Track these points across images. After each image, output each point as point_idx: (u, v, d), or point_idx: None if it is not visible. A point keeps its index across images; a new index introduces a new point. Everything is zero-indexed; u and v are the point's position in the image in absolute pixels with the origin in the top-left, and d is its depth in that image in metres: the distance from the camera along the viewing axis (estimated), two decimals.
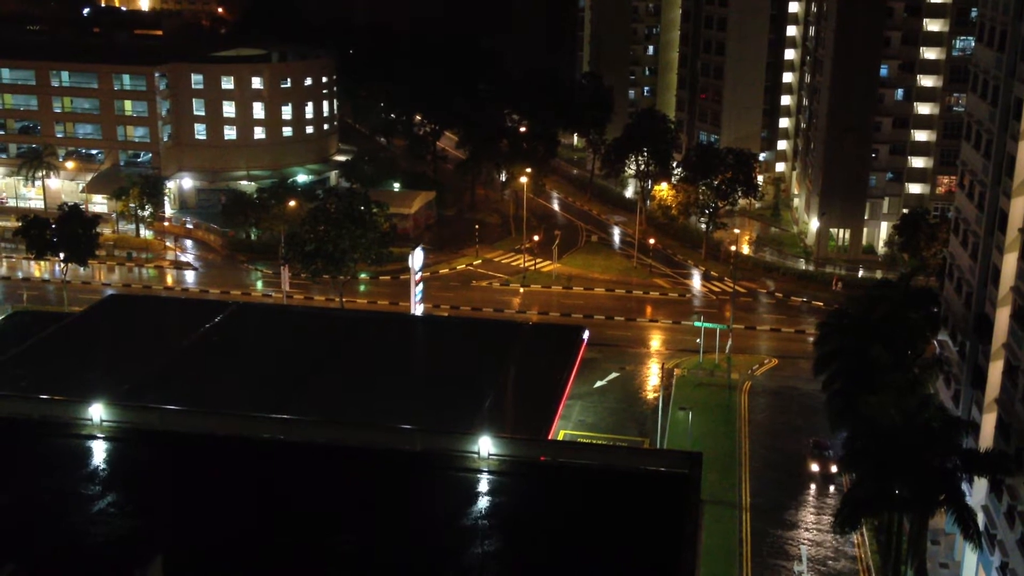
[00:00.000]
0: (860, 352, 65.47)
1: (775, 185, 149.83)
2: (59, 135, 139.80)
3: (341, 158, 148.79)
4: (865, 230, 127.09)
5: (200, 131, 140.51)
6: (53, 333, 77.57)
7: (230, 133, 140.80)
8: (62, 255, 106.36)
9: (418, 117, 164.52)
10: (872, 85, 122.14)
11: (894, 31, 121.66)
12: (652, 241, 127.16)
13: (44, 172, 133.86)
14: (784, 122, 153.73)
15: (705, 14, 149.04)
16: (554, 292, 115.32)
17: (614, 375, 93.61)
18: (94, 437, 48.05)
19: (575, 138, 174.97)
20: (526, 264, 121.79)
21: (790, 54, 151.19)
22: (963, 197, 71.10)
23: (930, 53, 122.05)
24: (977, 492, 62.00)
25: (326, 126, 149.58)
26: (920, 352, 71.87)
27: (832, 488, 75.18)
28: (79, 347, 76.07)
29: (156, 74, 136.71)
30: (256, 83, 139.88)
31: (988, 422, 62.33)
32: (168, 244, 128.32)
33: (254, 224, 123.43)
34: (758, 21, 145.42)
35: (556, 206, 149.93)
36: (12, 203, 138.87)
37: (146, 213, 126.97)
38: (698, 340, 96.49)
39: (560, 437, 76.85)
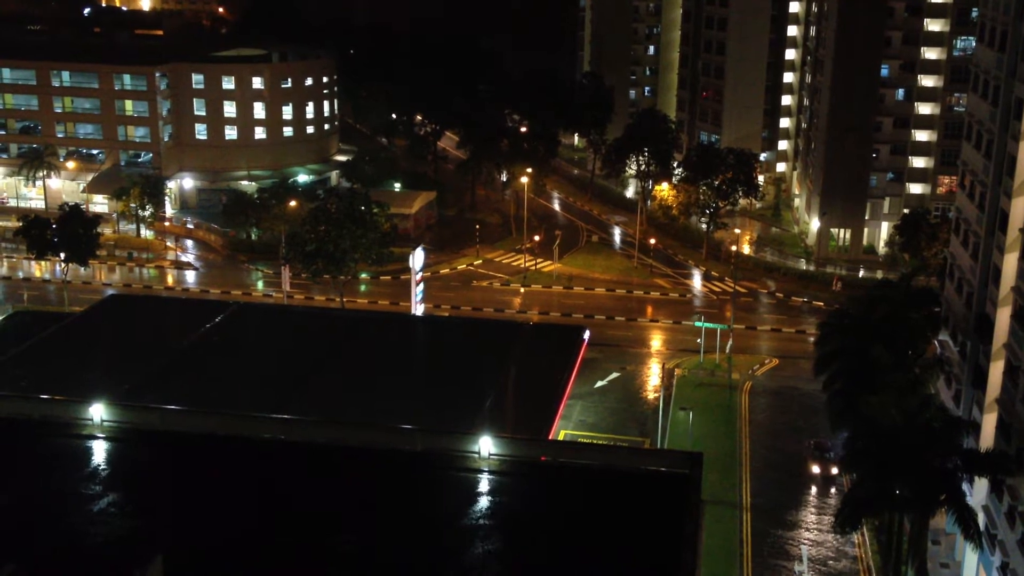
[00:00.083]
0: (861, 352, 65.42)
1: (776, 185, 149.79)
2: (60, 135, 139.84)
3: (342, 158, 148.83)
4: (866, 230, 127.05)
5: (201, 131, 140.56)
6: (54, 333, 77.57)
7: (231, 133, 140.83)
8: (63, 255, 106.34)
9: (419, 117, 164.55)
10: (873, 85, 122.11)
11: (895, 31, 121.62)
12: (653, 241, 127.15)
13: (45, 172, 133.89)
14: (785, 122, 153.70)
15: (706, 14, 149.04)
16: (555, 292, 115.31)
17: (615, 375, 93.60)
18: (94, 437, 48.06)
19: (576, 138, 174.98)
20: (527, 264, 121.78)
21: (791, 54, 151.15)
22: (964, 197, 71.07)
23: (931, 53, 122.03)
24: (978, 492, 61.97)
25: (327, 126, 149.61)
26: (921, 352, 71.81)
27: (833, 489, 75.11)
28: (80, 347, 76.06)
29: (157, 74, 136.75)
30: (257, 83, 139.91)
31: (989, 422, 62.31)
32: (169, 244, 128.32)
33: (255, 224, 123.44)
34: (759, 21, 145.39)
35: (557, 206, 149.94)
36: (13, 203, 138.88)
37: (147, 213, 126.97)
38: (699, 340, 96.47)
39: (561, 437, 76.83)
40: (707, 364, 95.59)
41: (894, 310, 69.85)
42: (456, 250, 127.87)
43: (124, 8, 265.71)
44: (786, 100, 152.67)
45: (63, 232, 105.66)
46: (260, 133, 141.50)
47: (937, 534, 66.36)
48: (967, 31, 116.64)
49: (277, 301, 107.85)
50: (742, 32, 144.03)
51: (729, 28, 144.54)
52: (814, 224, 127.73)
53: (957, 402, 68.63)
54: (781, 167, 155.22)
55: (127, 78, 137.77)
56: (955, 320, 70.73)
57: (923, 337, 73.36)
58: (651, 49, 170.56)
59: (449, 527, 41.89)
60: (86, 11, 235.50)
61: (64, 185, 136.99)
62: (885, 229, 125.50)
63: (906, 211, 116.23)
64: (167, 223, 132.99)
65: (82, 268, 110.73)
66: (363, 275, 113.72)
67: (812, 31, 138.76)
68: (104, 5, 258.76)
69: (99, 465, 46.37)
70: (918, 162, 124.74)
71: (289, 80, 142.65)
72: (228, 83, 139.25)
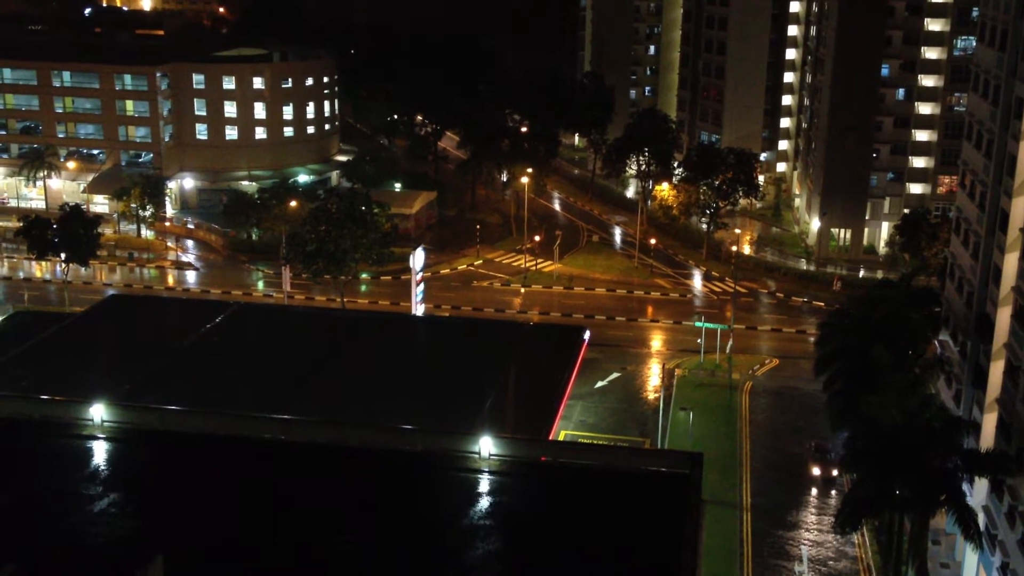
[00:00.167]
0: (861, 352, 65.41)
1: (776, 185, 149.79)
2: (60, 135, 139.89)
3: (342, 158, 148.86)
4: (866, 230, 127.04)
5: (201, 131, 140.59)
6: (54, 333, 77.62)
7: (231, 133, 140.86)
8: (63, 255, 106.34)
9: (419, 117, 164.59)
10: (873, 85, 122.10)
11: (895, 30, 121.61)
12: (653, 241, 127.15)
13: (45, 172, 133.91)
14: (785, 122, 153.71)
15: (706, 14, 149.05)
16: (555, 292, 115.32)
17: (615, 375, 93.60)
18: (95, 437, 48.09)
19: (576, 138, 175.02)
20: (527, 264, 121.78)
21: (791, 54, 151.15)
22: (964, 197, 71.07)
23: (931, 53, 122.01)
24: (978, 492, 61.97)
25: (327, 126, 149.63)
26: (921, 352, 71.79)
27: (833, 491, 75.05)
28: (80, 347, 76.10)
29: (157, 74, 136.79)
30: (257, 83, 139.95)
31: (989, 422, 62.30)
32: (169, 244, 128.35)
33: (255, 224, 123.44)
34: (759, 21, 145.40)
35: (557, 206, 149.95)
36: (13, 203, 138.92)
37: (147, 213, 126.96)
38: (699, 340, 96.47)
39: (561, 437, 76.84)
40: (707, 364, 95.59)
41: (894, 310, 69.85)
42: (456, 250, 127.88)
43: (125, 8, 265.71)
44: (786, 100, 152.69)
45: (64, 232, 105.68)
46: (261, 133, 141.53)
47: (937, 534, 66.37)
48: (967, 31, 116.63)
49: (278, 301, 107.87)
50: (743, 32, 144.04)
51: (730, 28, 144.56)
52: (814, 224, 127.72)
53: (957, 402, 68.62)
54: (781, 167, 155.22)
55: (128, 78, 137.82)
56: (955, 320, 70.72)
57: (923, 337, 73.35)
58: (652, 49, 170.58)
59: (449, 527, 41.91)
60: (87, 11, 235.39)
61: (65, 185, 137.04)
62: (885, 229, 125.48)
63: (906, 211, 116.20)
64: (168, 223, 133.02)
65: (83, 268, 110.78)
66: (364, 275, 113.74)
67: (812, 31, 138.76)
68: (105, 5, 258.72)
69: (99, 465, 46.40)
70: (918, 162, 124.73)
71: (290, 80, 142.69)
72: (229, 83, 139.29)
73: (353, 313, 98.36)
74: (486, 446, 46.55)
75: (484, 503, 43.81)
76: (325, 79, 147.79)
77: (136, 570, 34.40)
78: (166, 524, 41.43)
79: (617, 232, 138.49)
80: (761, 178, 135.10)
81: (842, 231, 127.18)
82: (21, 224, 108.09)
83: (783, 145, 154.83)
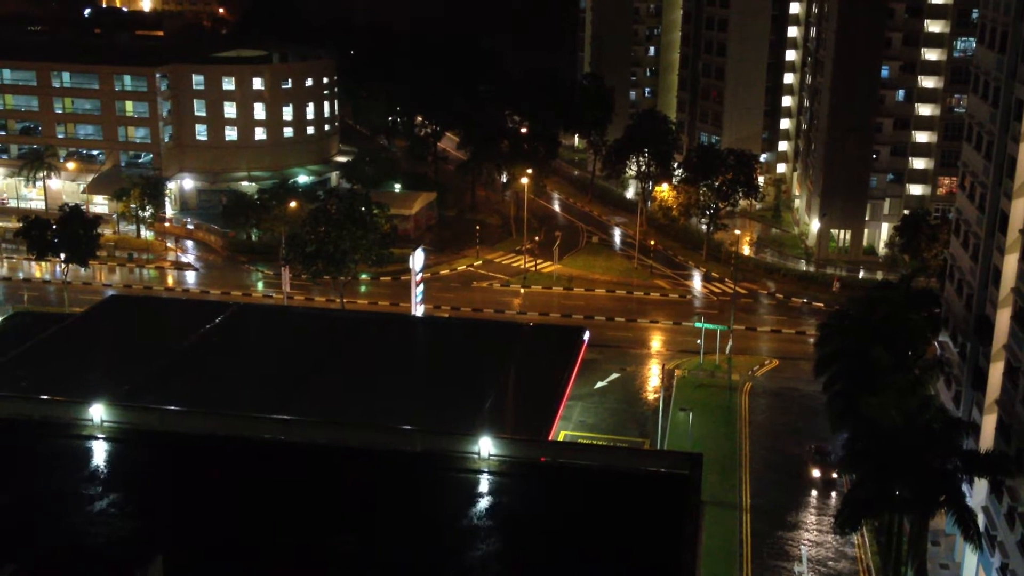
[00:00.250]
0: (861, 353, 65.43)
1: (776, 186, 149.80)
2: (60, 136, 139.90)
3: (342, 159, 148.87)
4: (866, 231, 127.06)
5: (201, 132, 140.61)
6: (54, 334, 77.61)
7: (231, 134, 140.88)
8: (63, 256, 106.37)
9: (419, 118, 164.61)
10: (873, 86, 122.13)
11: (895, 32, 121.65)
12: (653, 242, 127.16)
13: (45, 173, 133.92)
14: (785, 123, 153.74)
15: (706, 15, 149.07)
16: (555, 293, 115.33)
17: (615, 376, 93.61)
18: (94, 438, 48.05)
19: (576, 139, 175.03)
20: (527, 265, 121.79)
21: (791, 55, 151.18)
22: (964, 198, 71.08)
23: (931, 54, 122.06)
24: (977, 493, 61.98)
25: (327, 127, 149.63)
26: (921, 353, 71.82)
27: (833, 493, 75.01)
28: (80, 348, 76.10)
29: (157, 75, 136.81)
30: (257, 84, 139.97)
31: (988, 423, 62.31)
32: (169, 245, 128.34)
33: (255, 225, 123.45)
34: (759, 22, 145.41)
35: (557, 207, 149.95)
36: (13, 204, 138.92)
37: (147, 214, 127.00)
38: (699, 341, 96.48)
39: (560, 438, 76.85)
40: (707, 365, 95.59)
41: (894, 311, 69.87)
42: (456, 251, 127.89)
43: (124, 9, 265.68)
44: (786, 101, 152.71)
45: (63, 233, 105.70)
46: (260, 134, 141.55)
47: (937, 535, 66.38)
48: (967, 32, 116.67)
49: (277, 302, 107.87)
50: (743, 33, 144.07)
51: (730, 29, 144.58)
52: (814, 225, 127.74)
53: (957, 403, 68.63)
54: (781, 168, 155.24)
55: (127, 79, 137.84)
56: (955, 321, 70.73)
57: (923, 338, 73.38)
58: (651, 50, 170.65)
59: (449, 528, 41.90)
60: (86, 12, 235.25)
61: (64, 186, 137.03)
62: (885, 230, 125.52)
63: (906, 212, 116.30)
64: (167, 224, 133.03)
65: (82, 269, 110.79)
66: (363, 276, 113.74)
67: (812, 32, 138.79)
68: (104, 6, 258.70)
69: (99, 466, 46.39)
70: (918, 163, 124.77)
71: (289, 81, 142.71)
72: (228, 84, 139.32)
73: (353, 314, 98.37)
74: (486, 446, 46.54)
75: (484, 503, 43.80)
76: (325, 80, 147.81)
77: (136, 570, 34.39)
78: (166, 524, 41.41)
79: (617, 233, 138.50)
80: (761, 179, 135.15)
81: (842, 232, 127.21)
82: (21, 225, 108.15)
83: (783, 146, 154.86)
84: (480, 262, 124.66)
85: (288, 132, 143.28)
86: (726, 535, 68.96)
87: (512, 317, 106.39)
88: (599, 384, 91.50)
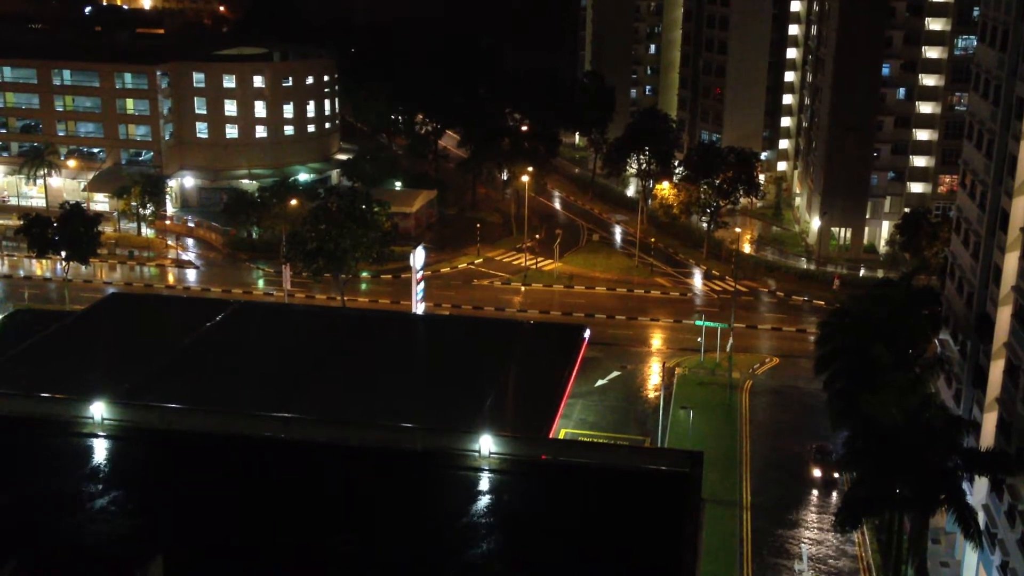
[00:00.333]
0: (861, 351, 65.44)
1: (776, 184, 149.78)
2: (61, 134, 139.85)
3: (342, 157, 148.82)
4: (867, 229, 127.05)
5: (202, 130, 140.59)
6: (54, 332, 77.58)
7: (232, 132, 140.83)
8: (64, 254, 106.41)
9: (419, 116, 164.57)
10: (874, 84, 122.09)
11: (896, 30, 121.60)
12: (653, 240, 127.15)
13: (46, 171, 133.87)
14: (786, 121, 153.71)
15: (707, 13, 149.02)
16: (555, 291, 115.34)
17: (615, 374, 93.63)
18: (95, 436, 48.05)
19: (577, 137, 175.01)
20: (527, 263, 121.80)
21: (792, 53, 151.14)
22: (964, 196, 71.07)
23: (932, 52, 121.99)
24: (978, 491, 62.00)
25: (327, 125, 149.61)
26: (921, 351, 71.85)
27: (834, 493, 74.99)
28: (80, 346, 76.09)
29: (158, 73, 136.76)
30: (258, 82, 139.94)
31: (989, 421, 62.33)
32: (170, 243, 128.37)
33: (256, 223, 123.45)
34: (760, 21, 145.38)
35: (557, 205, 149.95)
36: (14, 202, 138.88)
37: (148, 212, 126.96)
38: (699, 339, 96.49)
39: (561, 436, 76.87)
40: (708, 363, 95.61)
41: (895, 309, 69.87)
42: (457, 249, 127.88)
43: (125, 7, 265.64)
44: (787, 99, 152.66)
45: (64, 231, 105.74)
46: (261, 132, 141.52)
47: (937, 533, 66.40)
48: (968, 30, 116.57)
49: (278, 300, 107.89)
50: (743, 31, 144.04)
51: (730, 27, 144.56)
52: (815, 223, 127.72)
53: (957, 401, 68.64)
54: (782, 166, 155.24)
55: (128, 77, 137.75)
56: (956, 319, 70.73)
57: (924, 336, 73.41)
58: (652, 48, 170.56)
59: (449, 526, 41.89)
60: (87, 10, 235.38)
61: (65, 184, 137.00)
62: (886, 228, 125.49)
63: (907, 210, 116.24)
64: (168, 222, 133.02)
65: (83, 267, 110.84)
66: (364, 274, 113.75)
67: (813, 30, 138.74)
68: (105, 4, 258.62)
69: (100, 464, 46.39)
70: (919, 161, 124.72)
71: (290, 79, 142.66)
72: (229, 82, 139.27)
73: (353, 312, 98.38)
74: (486, 444, 46.55)
75: (484, 501, 43.80)
76: (325, 78, 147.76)
77: (136, 569, 34.41)
78: (166, 522, 41.43)
79: (617, 231, 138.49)
80: (762, 177, 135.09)
81: (842, 230, 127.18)
82: (21, 222, 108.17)
83: (784, 144, 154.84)
84: (481, 260, 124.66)
85: (289, 130, 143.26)
86: (726, 533, 68.98)
87: (513, 315, 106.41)
88: (600, 382, 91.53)
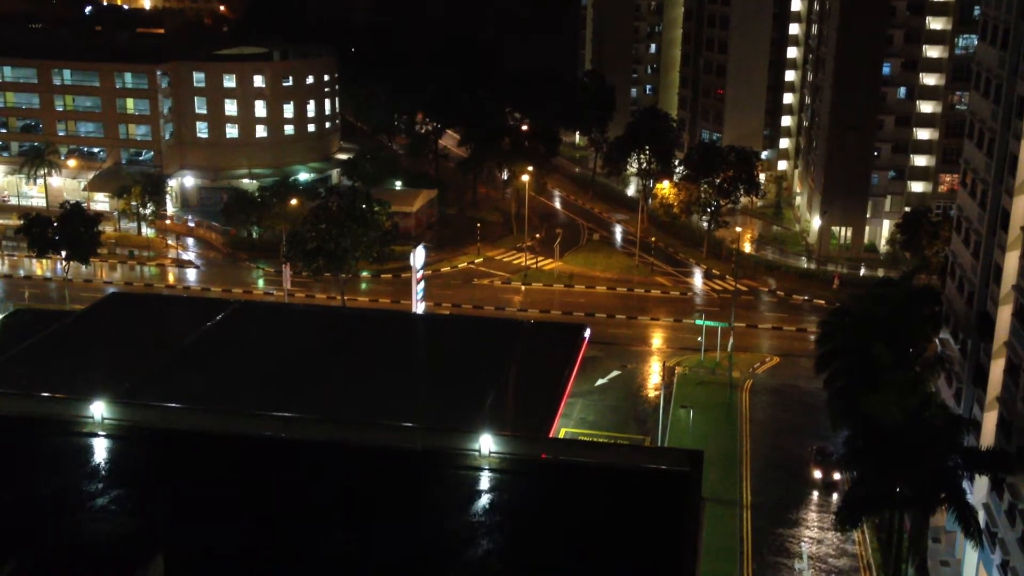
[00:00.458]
0: (862, 350, 65.42)
1: (777, 183, 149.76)
2: (61, 133, 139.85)
3: (343, 156, 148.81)
4: (867, 228, 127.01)
5: (202, 129, 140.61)
6: (55, 331, 77.56)
7: (232, 131, 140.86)
8: (64, 253, 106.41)
9: (420, 116, 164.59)
10: (874, 83, 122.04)
11: (896, 29, 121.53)
12: (654, 239, 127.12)
13: (46, 170, 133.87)
14: (786, 120, 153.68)
15: (708, 12, 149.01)
16: (556, 290, 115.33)
17: (615, 373, 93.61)
18: (95, 435, 48.06)
19: (577, 136, 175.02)
20: (527, 262, 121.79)
21: (792, 52, 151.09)
22: (965, 195, 71.03)
23: (933, 51, 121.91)
24: (978, 490, 61.99)
25: (328, 124, 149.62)
26: (922, 350, 71.84)
27: (835, 494, 74.91)
28: (81, 345, 76.07)
29: (158, 72, 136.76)
30: (258, 81, 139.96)
31: (989, 420, 62.31)
32: (170, 242, 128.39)
33: (256, 222, 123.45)
34: (761, 20, 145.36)
35: (558, 204, 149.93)
36: (14, 201, 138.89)
37: (148, 211, 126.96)
38: (699, 338, 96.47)
39: (561, 435, 76.85)
40: (708, 362, 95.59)
41: (895, 308, 69.86)
42: (457, 248, 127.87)
43: (125, 7, 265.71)
44: (788, 98, 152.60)
45: (64, 230, 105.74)
46: (261, 131, 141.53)
47: (937, 532, 66.39)
48: (969, 29, 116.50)
49: (278, 299, 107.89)
50: (744, 30, 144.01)
51: (731, 27, 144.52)
52: (815, 222, 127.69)
53: (958, 400, 68.61)
54: (782, 165, 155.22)
55: (128, 76, 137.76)
56: (956, 318, 70.70)
57: (924, 335, 73.38)
58: (652, 47, 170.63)
59: (449, 526, 41.89)
60: (87, 10, 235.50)
61: (65, 183, 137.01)
62: (886, 227, 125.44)
63: (907, 209, 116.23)
64: (168, 221, 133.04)
65: (83, 266, 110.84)
66: (364, 273, 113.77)
67: (814, 29, 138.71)
68: (105, 4, 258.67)
69: (100, 463, 46.40)
70: (919, 160, 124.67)
71: (290, 78, 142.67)
72: (229, 81, 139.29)
73: (353, 311, 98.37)
74: (486, 444, 46.54)
75: (484, 501, 43.80)
76: (326, 77, 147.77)
77: (136, 568, 34.39)
78: (166, 522, 41.43)
79: (618, 230, 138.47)
80: (762, 176, 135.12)
81: (843, 229, 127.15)
82: (22, 222, 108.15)
83: (784, 143, 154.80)
84: (481, 259, 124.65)
85: (289, 129, 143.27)
86: (727, 532, 68.97)
87: (513, 314, 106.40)
88: (600, 381, 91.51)
